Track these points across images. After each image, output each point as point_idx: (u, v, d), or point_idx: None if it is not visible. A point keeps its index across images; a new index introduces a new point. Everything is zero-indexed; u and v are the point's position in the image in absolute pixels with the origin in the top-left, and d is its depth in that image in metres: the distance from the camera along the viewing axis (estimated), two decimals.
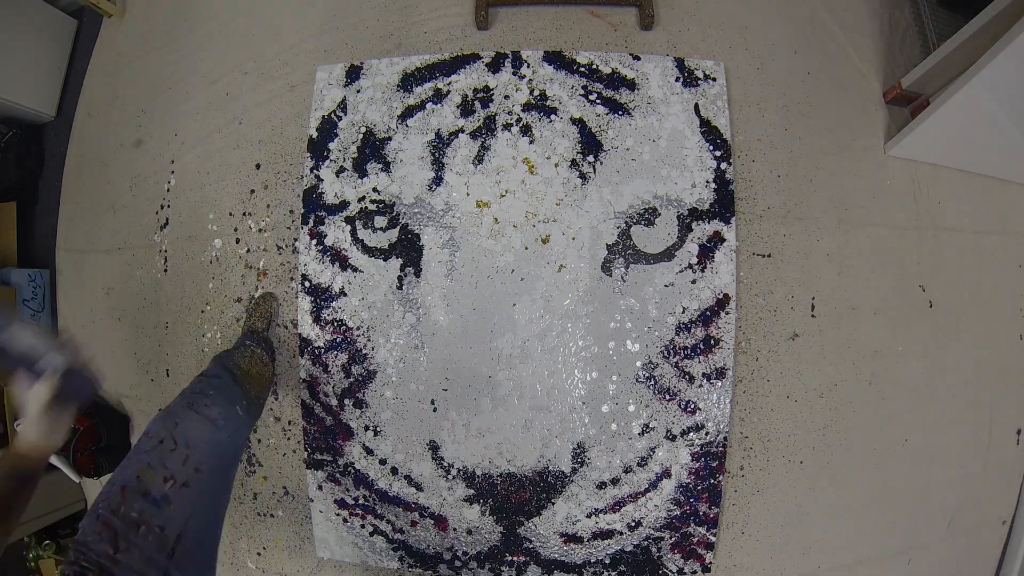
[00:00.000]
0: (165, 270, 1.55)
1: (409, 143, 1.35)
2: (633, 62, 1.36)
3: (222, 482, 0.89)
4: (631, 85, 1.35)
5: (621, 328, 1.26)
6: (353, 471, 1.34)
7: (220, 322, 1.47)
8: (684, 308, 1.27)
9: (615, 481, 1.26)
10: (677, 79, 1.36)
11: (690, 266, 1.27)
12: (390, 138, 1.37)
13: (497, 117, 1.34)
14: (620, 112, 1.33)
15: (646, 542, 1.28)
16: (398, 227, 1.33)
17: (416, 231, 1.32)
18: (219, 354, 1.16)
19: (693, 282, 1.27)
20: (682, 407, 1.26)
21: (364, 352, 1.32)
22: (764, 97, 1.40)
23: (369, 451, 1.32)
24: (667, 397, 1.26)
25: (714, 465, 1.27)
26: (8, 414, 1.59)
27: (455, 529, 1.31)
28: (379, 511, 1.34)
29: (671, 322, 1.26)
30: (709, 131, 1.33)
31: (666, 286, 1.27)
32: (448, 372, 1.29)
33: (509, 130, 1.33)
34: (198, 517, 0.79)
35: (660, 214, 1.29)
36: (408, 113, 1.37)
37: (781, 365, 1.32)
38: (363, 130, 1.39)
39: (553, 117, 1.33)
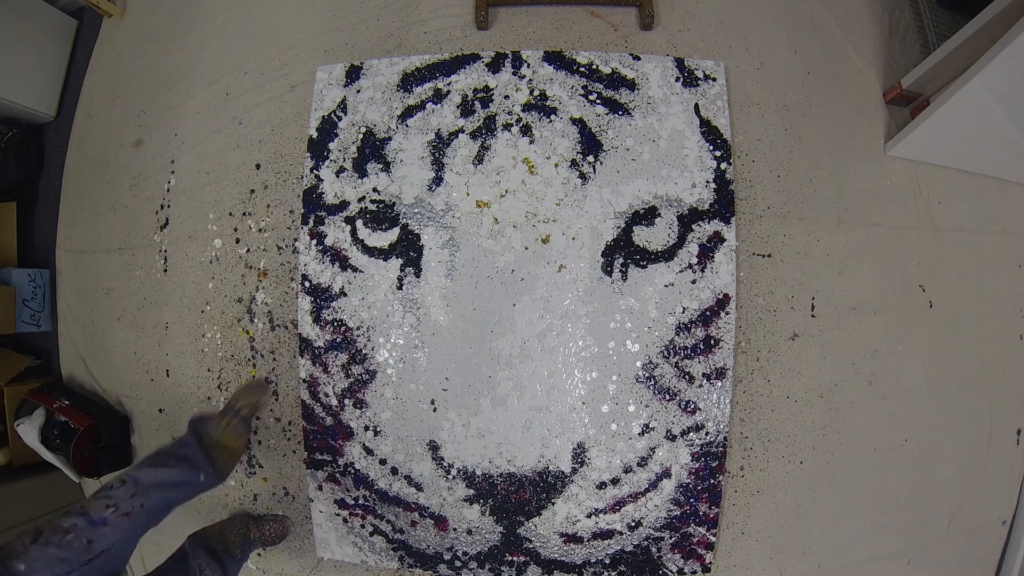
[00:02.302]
0: (165, 270, 1.55)
1: (409, 143, 1.35)
2: (633, 62, 1.36)
3: (156, 519, 1.02)
4: (631, 85, 1.35)
5: (621, 328, 1.26)
6: (353, 471, 1.34)
7: (220, 322, 1.47)
8: (684, 308, 1.27)
9: (615, 481, 1.26)
10: (677, 79, 1.36)
11: (690, 266, 1.27)
12: (390, 138, 1.37)
13: (497, 117, 1.34)
14: (620, 112, 1.33)
15: (646, 542, 1.28)
16: (398, 227, 1.33)
17: (416, 231, 1.32)
18: (195, 418, 1.21)
19: (693, 282, 1.27)
20: (682, 407, 1.26)
21: (364, 352, 1.32)
22: (764, 97, 1.40)
23: (369, 451, 1.32)
24: (667, 397, 1.26)
25: (714, 465, 1.27)
26: (8, 414, 1.59)
27: (455, 529, 1.31)
28: (379, 511, 1.34)
29: (671, 322, 1.26)
30: (709, 131, 1.33)
31: (666, 286, 1.27)
32: (448, 372, 1.29)
33: (509, 130, 1.33)
34: (124, 541, 0.93)
35: (660, 214, 1.29)
36: (408, 113, 1.37)
37: (781, 365, 1.32)
38: (363, 130, 1.39)
39: (553, 117, 1.33)
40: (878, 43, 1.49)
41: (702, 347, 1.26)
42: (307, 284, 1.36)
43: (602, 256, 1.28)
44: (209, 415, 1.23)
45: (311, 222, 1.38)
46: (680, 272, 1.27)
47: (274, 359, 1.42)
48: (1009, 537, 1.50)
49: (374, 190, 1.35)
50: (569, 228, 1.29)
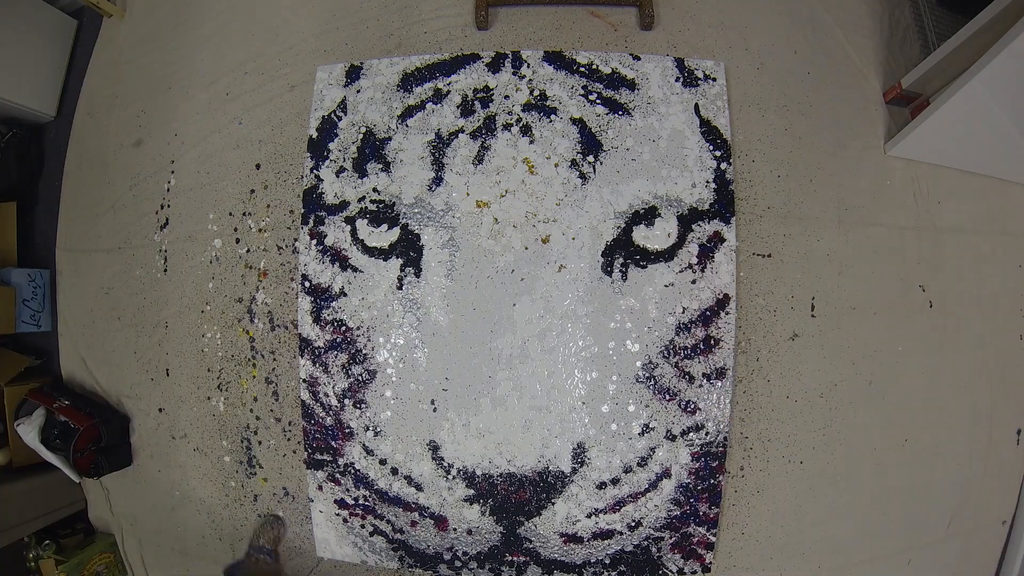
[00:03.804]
0: (165, 270, 1.55)
1: (409, 143, 1.35)
2: (633, 62, 1.36)
3: None
4: (631, 85, 1.35)
5: (621, 328, 1.26)
6: (353, 471, 1.34)
7: (220, 322, 1.47)
8: (684, 308, 1.27)
9: (615, 481, 1.26)
10: (677, 79, 1.36)
11: (690, 266, 1.27)
12: (390, 138, 1.37)
13: (497, 117, 1.34)
14: (620, 112, 1.33)
15: (646, 542, 1.28)
16: (398, 227, 1.33)
17: (416, 231, 1.32)
18: (226, 568, 1.29)
19: (693, 282, 1.27)
20: (682, 407, 1.26)
21: (364, 352, 1.32)
22: (764, 97, 1.40)
23: (369, 451, 1.32)
24: (667, 397, 1.26)
25: (714, 465, 1.27)
26: (8, 414, 1.59)
27: (455, 529, 1.31)
28: (379, 511, 1.34)
29: (671, 322, 1.26)
30: (709, 131, 1.33)
31: (666, 286, 1.27)
32: (448, 372, 1.29)
33: (509, 130, 1.33)
34: None
35: (660, 214, 1.29)
36: (408, 113, 1.37)
37: (781, 365, 1.32)
38: (363, 130, 1.39)
39: (553, 117, 1.33)
40: (878, 43, 1.49)
41: (702, 347, 1.26)
42: (307, 284, 1.36)
43: (602, 256, 1.28)
44: (238, 561, 1.32)
45: (311, 222, 1.38)
46: (680, 272, 1.27)
47: (274, 359, 1.42)
48: (1009, 537, 1.50)
49: (374, 190, 1.35)
50: (569, 228, 1.29)
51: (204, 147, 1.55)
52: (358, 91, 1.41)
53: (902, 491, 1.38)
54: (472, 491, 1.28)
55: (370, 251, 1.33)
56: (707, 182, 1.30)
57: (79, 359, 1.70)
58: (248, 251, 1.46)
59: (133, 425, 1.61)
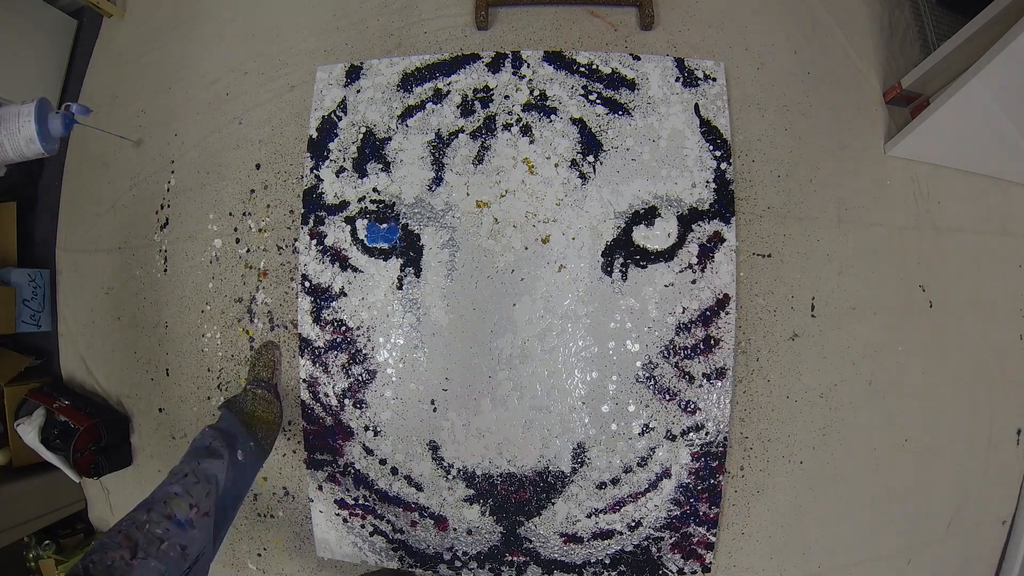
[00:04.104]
0: (165, 270, 1.55)
1: (409, 143, 1.35)
2: (633, 62, 1.36)
3: (229, 517, 0.98)
4: (631, 85, 1.35)
5: (621, 328, 1.26)
6: (353, 471, 1.34)
7: (220, 322, 1.47)
8: (684, 308, 1.27)
9: (615, 481, 1.26)
10: (677, 79, 1.36)
11: (690, 266, 1.27)
12: (390, 138, 1.37)
13: (497, 117, 1.34)
14: (620, 112, 1.33)
15: (646, 542, 1.28)
16: (398, 227, 1.33)
17: (416, 231, 1.32)
18: (226, 401, 1.23)
19: (693, 282, 1.27)
20: (682, 407, 1.26)
21: (364, 352, 1.32)
22: (764, 97, 1.40)
23: (369, 451, 1.32)
24: (667, 397, 1.26)
25: (714, 465, 1.27)
26: (8, 414, 1.59)
27: (455, 529, 1.31)
28: (379, 511, 1.34)
29: (671, 322, 1.26)
30: (709, 131, 1.33)
31: (666, 286, 1.27)
32: (448, 372, 1.29)
33: (509, 130, 1.33)
34: (208, 552, 0.87)
35: (660, 214, 1.29)
36: (408, 113, 1.37)
37: (781, 365, 1.32)
38: (363, 130, 1.39)
39: (553, 117, 1.33)
40: (878, 43, 1.49)
41: (702, 347, 1.26)
42: (307, 284, 1.36)
43: (602, 256, 1.28)
44: (235, 396, 1.26)
45: (311, 222, 1.38)
46: (680, 272, 1.27)
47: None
48: (1009, 537, 1.50)
49: (374, 190, 1.35)
50: (569, 228, 1.29)
51: (204, 147, 1.55)
52: (358, 91, 1.41)
53: (902, 491, 1.38)
54: (472, 491, 1.28)
55: (370, 251, 1.34)
56: (707, 182, 1.31)
57: (79, 359, 1.70)
58: (248, 251, 1.46)
59: (133, 425, 1.61)
